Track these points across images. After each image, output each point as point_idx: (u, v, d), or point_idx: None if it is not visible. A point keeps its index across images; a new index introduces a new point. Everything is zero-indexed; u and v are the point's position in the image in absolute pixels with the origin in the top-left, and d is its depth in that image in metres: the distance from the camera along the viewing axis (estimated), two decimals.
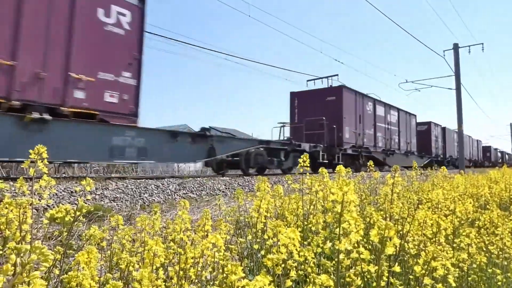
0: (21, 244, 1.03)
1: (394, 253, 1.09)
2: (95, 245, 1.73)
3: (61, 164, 16.72)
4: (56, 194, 6.06)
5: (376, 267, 1.06)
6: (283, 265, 1.18)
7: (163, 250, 1.46)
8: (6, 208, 1.07)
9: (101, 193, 6.70)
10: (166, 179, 9.14)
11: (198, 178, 10.24)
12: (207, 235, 1.82)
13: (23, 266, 0.69)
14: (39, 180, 1.26)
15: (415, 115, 28.96)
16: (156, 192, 7.70)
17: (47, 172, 1.27)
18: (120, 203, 6.55)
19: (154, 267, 1.39)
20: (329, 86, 21.32)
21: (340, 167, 2.69)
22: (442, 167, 5.59)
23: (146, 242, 1.46)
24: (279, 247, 1.25)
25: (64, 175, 16.32)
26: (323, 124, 18.32)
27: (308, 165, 2.42)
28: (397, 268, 1.04)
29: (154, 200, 7.28)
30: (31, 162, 1.23)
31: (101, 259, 1.82)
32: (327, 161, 17.57)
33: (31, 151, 1.26)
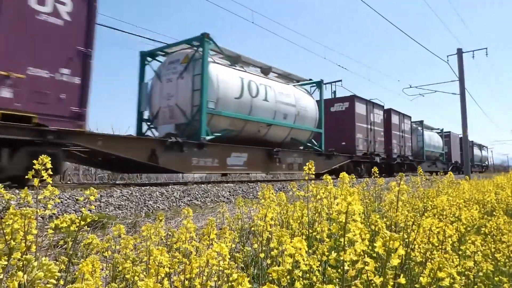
0: (26, 254, 1.03)
1: (400, 263, 1.08)
2: (97, 254, 1.73)
3: (65, 171, 16.78)
4: (61, 202, 6.07)
5: (381, 279, 1.06)
6: (288, 276, 1.17)
7: (167, 260, 1.45)
8: (11, 218, 1.07)
9: (106, 200, 6.71)
10: (170, 186, 9.15)
11: (203, 185, 10.24)
12: (212, 244, 1.81)
13: (31, 283, 0.70)
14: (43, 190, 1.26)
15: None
16: (160, 199, 7.71)
17: (51, 182, 1.28)
18: (125, 211, 6.55)
19: (159, 277, 1.38)
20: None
21: (343, 174, 2.69)
22: (448, 173, 5.54)
23: (151, 252, 1.46)
24: (285, 257, 1.25)
25: (69, 182, 16.36)
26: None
27: (314, 172, 2.43)
28: (402, 280, 1.03)
29: (158, 207, 7.28)
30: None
31: (105, 268, 1.82)
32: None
33: (35, 161, 1.27)
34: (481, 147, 53.12)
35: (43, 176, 1.23)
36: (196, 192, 8.77)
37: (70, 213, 5.79)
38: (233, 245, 2.24)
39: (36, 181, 1.24)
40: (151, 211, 6.90)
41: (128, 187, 8.52)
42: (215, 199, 8.81)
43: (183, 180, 20.40)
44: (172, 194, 8.19)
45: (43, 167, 1.23)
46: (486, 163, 60.81)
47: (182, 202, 8.00)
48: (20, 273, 0.71)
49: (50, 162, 1.29)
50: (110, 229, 4.43)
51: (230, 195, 9.42)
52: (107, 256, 1.79)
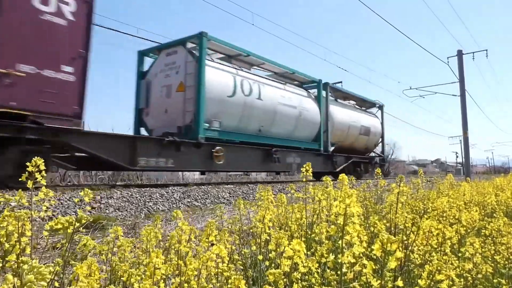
0: (21, 256, 1.02)
1: (398, 265, 1.08)
2: (94, 256, 1.73)
3: (65, 172, 16.78)
4: (61, 204, 6.06)
5: (380, 281, 1.05)
6: (285, 280, 1.16)
7: (162, 261, 1.44)
8: (5, 220, 1.06)
9: (105, 202, 6.71)
10: (170, 187, 9.14)
11: (203, 186, 10.24)
12: (211, 245, 1.81)
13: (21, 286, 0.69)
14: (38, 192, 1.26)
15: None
16: (160, 200, 7.70)
17: (45, 184, 1.27)
18: (125, 212, 6.55)
19: (155, 279, 1.37)
20: None
21: (343, 176, 2.67)
22: (448, 175, 5.51)
23: (148, 254, 1.45)
24: (283, 259, 1.24)
25: (69, 183, 16.36)
26: None
27: (311, 174, 2.37)
28: (400, 283, 1.02)
29: (158, 208, 7.27)
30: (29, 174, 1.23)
31: (104, 271, 1.81)
32: None
33: (28, 163, 1.26)
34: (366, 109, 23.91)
35: (36, 178, 1.22)
36: (196, 194, 8.76)
37: (70, 215, 5.78)
38: (234, 247, 2.23)
39: (30, 183, 1.23)
40: (151, 212, 6.89)
41: (128, 188, 8.52)
42: (215, 200, 8.80)
43: (183, 181, 20.37)
44: (172, 196, 8.18)
45: (36, 169, 1.22)
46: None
47: (182, 203, 8.00)
48: (10, 276, 0.70)
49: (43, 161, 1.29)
50: (110, 231, 4.41)
51: (230, 196, 9.41)
52: (105, 259, 1.77)
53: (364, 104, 23.55)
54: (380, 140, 24.26)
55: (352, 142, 20.50)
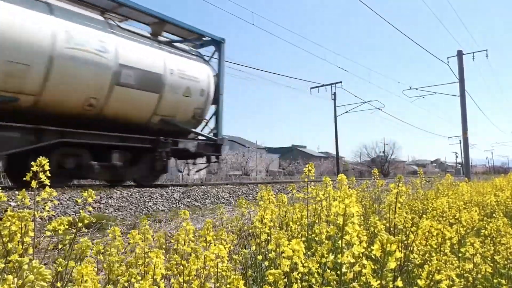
0: (23, 256, 1.03)
1: (398, 265, 1.08)
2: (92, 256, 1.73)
3: None
4: (61, 203, 6.07)
5: (379, 281, 1.06)
6: (285, 280, 1.17)
7: (163, 261, 1.45)
8: (9, 220, 1.07)
9: (105, 202, 6.71)
10: (170, 188, 9.14)
11: (202, 186, 10.23)
12: (209, 245, 1.81)
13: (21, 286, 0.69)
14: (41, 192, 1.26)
15: None
16: (160, 200, 7.70)
17: (49, 184, 1.28)
18: (125, 212, 6.55)
19: (156, 279, 1.38)
20: None
21: (342, 176, 2.67)
22: (447, 175, 5.52)
23: (148, 255, 1.45)
24: (282, 259, 1.24)
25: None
26: None
27: (314, 174, 2.37)
28: (399, 283, 1.03)
29: (158, 208, 7.27)
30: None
31: (102, 270, 1.81)
32: None
33: (33, 163, 1.27)
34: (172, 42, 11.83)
35: (41, 178, 1.23)
36: (196, 194, 8.77)
37: (70, 215, 5.80)
38: (232, 247, 2.24)
39: (34, 183, 1.23)
40: (150, 212, 6.90)
41: (127, 188, 8.52)
42: (215, 200, 8.81)
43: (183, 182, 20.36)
44: (172, 196, 8.19)
45: (41, 169, 1.23)
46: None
47: (182, 203, 8.00)
48: (9, 277, 0.71)
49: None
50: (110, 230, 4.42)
51: (230, 196, 9.41)
52: (103, 259, 1.78)
53: (159, 29, 11.31)
54: (215, 108, 12.52)
55: (81, 100, 8.91)
